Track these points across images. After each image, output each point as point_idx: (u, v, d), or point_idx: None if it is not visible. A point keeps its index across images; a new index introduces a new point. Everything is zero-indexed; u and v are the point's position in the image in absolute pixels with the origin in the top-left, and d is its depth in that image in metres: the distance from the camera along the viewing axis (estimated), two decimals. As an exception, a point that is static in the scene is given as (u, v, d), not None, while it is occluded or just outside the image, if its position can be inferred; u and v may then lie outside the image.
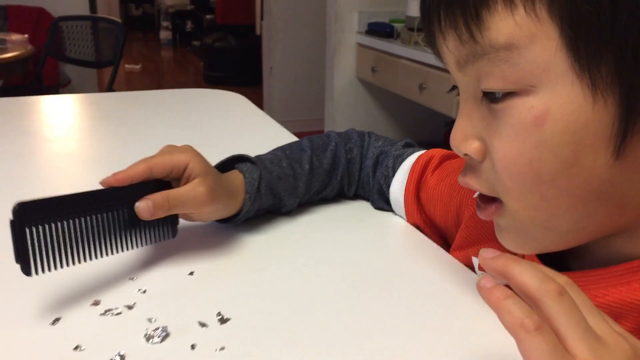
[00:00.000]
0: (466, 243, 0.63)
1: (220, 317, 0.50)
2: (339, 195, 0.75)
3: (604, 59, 0.38)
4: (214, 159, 0.64)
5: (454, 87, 0.47)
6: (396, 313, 0.52)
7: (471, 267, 0.60)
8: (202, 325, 0.49)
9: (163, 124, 1.10)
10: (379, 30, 2.64)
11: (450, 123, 2.44)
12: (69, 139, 1.03)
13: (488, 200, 0.47)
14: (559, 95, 0.40)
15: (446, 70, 0.47)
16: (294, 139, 0.82)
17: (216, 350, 0.46)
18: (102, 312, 0.51)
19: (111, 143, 1.00)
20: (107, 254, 0.54)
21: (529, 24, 0.39)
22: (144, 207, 0.55)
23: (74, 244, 0.51)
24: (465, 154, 0.46)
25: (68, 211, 0.51)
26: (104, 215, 0.53)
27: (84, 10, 3.66)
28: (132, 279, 0.56)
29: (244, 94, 1.31)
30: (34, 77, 2.97)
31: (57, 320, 0.49)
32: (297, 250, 0.63)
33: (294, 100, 3.89)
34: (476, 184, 0.47)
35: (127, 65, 5.83)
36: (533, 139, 0.41)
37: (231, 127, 1.10)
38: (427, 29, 0.46)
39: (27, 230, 0.48)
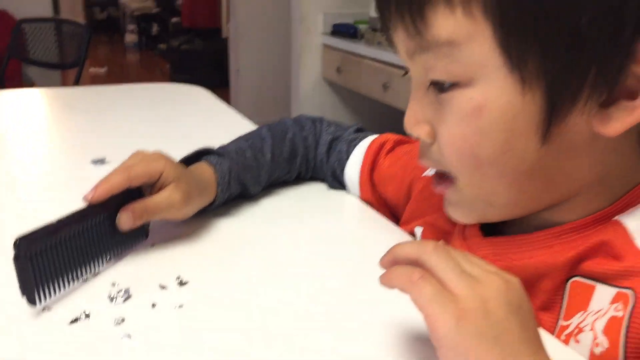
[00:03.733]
0: (414, 216, 0.67)
1: (179, 280, 0.53)
2: (297, 179, 0.79)
3: (530, 57, 0.43)
4: (180, 151, 0.66)
5: (408, 72, 0.52)
6: (343, 275, 0.56)
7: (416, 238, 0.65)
8: (162, 287, 0.52)
9: (127, 117, 1.12)
10: (344, 31, 2.69)
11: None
12: (30, 132, 1.04)
13: (442, 176, 0.53)
14: (495, 88, 0.45)
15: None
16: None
17: (175, 307, 0.49)
18: (67, 278, 0.54)
19: (73, 135, 1.02)
20: (95, 269, 0.55)
21: (466, 24, 0.44)
22: (125, 219, 0.56)
23: (69, 266, 0.52)
24: (417, 137, 0.52)
25: (60, 236, 0.51)
26: (89, 232, 0.54)
27: (47, 13, 3.63)
28: (96, 250, 0.59)
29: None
30: (-4, 79, 2.93)
31: (23, 286, 0.52)
32: (255, 228, 0.66)
33: (261, 101, 3.92)
34: (428, 163, 0.53)
35: (92, 69, 5.77)
36: (473, 127, 0.46)
37: (195, 120, 1.13)
38: (381, 19, 0.50)
39: (29, 264, 0.48)
